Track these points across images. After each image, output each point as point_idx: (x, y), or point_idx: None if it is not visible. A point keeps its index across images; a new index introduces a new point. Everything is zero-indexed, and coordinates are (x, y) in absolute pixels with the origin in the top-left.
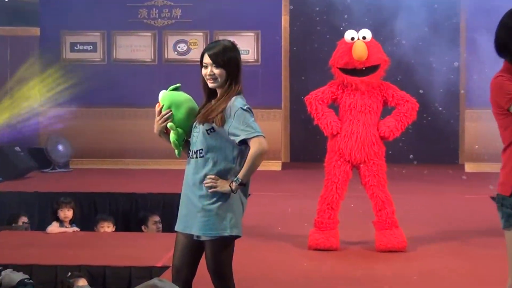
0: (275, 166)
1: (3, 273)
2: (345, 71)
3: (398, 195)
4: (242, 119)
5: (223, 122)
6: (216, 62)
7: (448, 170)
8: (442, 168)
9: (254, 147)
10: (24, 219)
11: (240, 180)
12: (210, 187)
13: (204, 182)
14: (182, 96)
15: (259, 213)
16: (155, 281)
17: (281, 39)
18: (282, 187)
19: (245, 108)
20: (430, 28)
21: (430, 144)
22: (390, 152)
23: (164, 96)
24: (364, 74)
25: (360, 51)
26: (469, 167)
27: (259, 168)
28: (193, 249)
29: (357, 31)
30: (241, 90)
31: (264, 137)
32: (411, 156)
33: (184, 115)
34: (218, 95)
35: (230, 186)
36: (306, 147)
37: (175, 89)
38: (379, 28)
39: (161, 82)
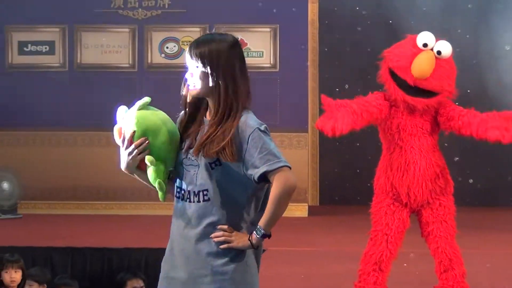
0: (300, 210)
1: None
2: (394, 75)
3: (470, 250)
4: (260, 145)
5: (237, 154)
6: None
7: None
8: None
9: (278, 183)
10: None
11: (262, 231)
12: (223, 242)
13: (214, 235)
14: (157, 116)
15: (277, 276)
16: None
17: (307, 37)
18: (308, 239)
19: (262, 128)
20: None
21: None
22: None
23: (133, 118)
24: (415, 92)
25: (422, 68)
26: None
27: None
28: None
29: (436, 38)
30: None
31: (291, 168)
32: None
33: (165, 143)
34: (213, 111)
35: (249, 239)
36: (342, 184)
37: (144, 106)
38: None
39: (143, 95)
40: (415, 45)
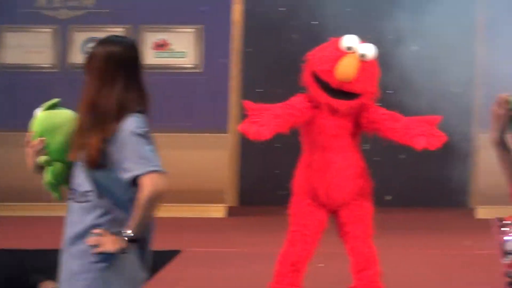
0: (217, 211)
1: None
2: (317, 78)
3: (385, 250)
4: (133, 148)
5: (111, 157)
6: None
7: (454, 215)
8: (446, 213)
9: (145, 187)
10: None
11: (130, 234)
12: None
13: (89, 239)
14: (59, 116)
15: (193, 277)
16: None
17: (229, 38)
18: (226, 240)
19: (138, 132)
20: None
21: (429, 182)
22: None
23: (34, 120)
24: (338, 95)
25: (346, 71)
26: (482, 213)
27: (196, 215)
28: None
29: (360, 41)
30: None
31: (163, 172)
32: (388, 198)
33: (63, 143)
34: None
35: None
36: (262, 185)
37: (52, 106)
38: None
39: (65, 95)
40: (338, 48)
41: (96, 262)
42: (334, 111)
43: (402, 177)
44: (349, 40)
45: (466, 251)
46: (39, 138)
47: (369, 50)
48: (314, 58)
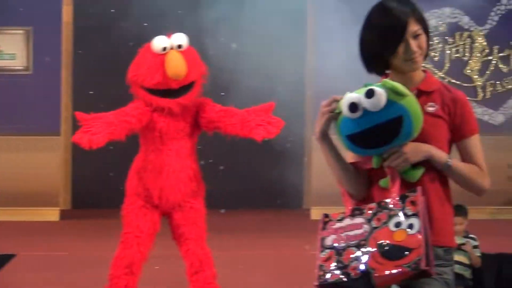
0: (51, 214)
1: None
2: (155, 92)
3: (220, 252)
4: None
5: None
6: None
7: (290, 217)
8: (282, 214)
9: None
10: None
11: None
12: None
13: None
14: None
15: (27, 282)
16: None
17: (60, 39)
18: (60, 244)
19: None
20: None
21: (264, 184)
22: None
23: None
24: (179, 94)
25: (176, 67)
26: (316, 213)
27: (30, 218)
28: None
29: (169, 36)
30: None
31: None
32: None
33: None
34: None
35: None
36: (96, 188)
37: None
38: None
39: None
40: (155, 54)
41: None
42: (173, 114)
43: (236, 179)
44: (160, 42)
45: (300, 251)
46: None
47: (182, 39)
48: (140, 76)
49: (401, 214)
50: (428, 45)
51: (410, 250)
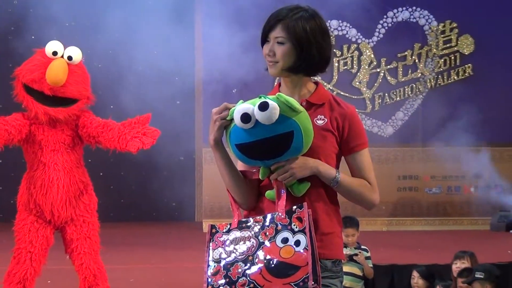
0: None
1: None
2: (30, 90)
3: (114, 265)
4: None
5: None
6: None
7: (182, 229)
8: (174, 227)
9: None
10: None
11: None
12: None
13: None
14: None
15: None
16: None
17: None
18: None
19: None
20: None
21: (156, 197)
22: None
23: None
24: (53, 103)
25: (56, 74)
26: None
27: None
28: None
29: (65, 46)
30: None
31: None
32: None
33: None
34: None
35: None
36: None
37: None
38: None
39: None
40: (45, 55)
41: None
42: (53, 125)
43: (127, 193)
44: (53, 46)
45: (191, 264)
46: None
47: (75, 53)
48: (22, 70)
49: (287, 230)
50: (293, 57)
51: (297, 268)
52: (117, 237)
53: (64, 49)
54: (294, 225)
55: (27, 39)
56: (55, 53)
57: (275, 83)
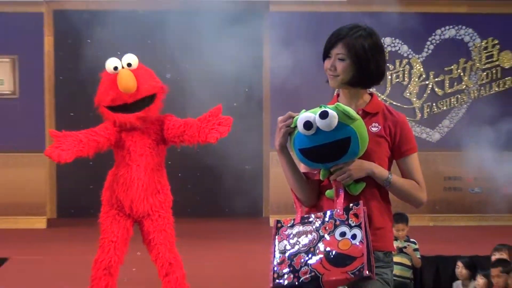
0: (39, 223)
1: None
2: (114, 108)
3: (188, 255)
4: None
5: None
6: None
7: (250, 224)
8: (242, 222)
9: None
10: None
11: None
12: None
13: None
14: None
15: (21, 281)
16: None
17: (43, 66)
18: (47, 249)
19: None
20: None
21: (226, 193)
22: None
23: None
24: (138, 108)
25: (126, 82)
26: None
27: (20, 226)
28: None
29: (119, 57)
30: None
31: None
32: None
33: None
34: None
35: None
36: (77, 199)
37: None
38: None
39: None
40: (109, 74)
41: None
42: (142, 132)
43: (202, 191)
44: (112, 62)
45: (259, 255)
46: None
47: (131, 58)
48: (100, 97)
49: (345, 225)
50: (352, 72)
51: (354, 258)
52: (193, 230)
53: (121, 60)
54: (351, 220)
55: None
56: (116, 68)
57: (334, 94)
